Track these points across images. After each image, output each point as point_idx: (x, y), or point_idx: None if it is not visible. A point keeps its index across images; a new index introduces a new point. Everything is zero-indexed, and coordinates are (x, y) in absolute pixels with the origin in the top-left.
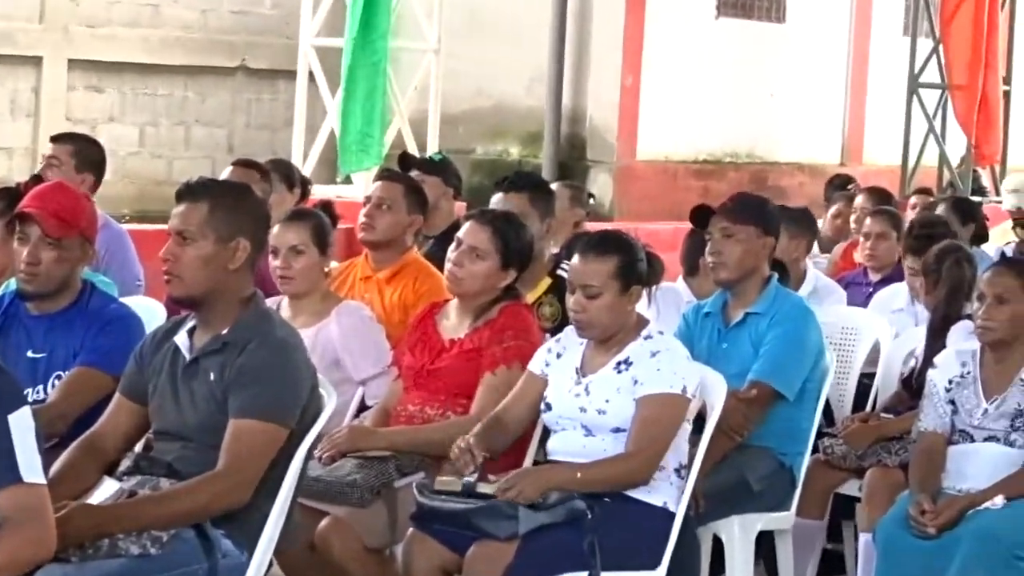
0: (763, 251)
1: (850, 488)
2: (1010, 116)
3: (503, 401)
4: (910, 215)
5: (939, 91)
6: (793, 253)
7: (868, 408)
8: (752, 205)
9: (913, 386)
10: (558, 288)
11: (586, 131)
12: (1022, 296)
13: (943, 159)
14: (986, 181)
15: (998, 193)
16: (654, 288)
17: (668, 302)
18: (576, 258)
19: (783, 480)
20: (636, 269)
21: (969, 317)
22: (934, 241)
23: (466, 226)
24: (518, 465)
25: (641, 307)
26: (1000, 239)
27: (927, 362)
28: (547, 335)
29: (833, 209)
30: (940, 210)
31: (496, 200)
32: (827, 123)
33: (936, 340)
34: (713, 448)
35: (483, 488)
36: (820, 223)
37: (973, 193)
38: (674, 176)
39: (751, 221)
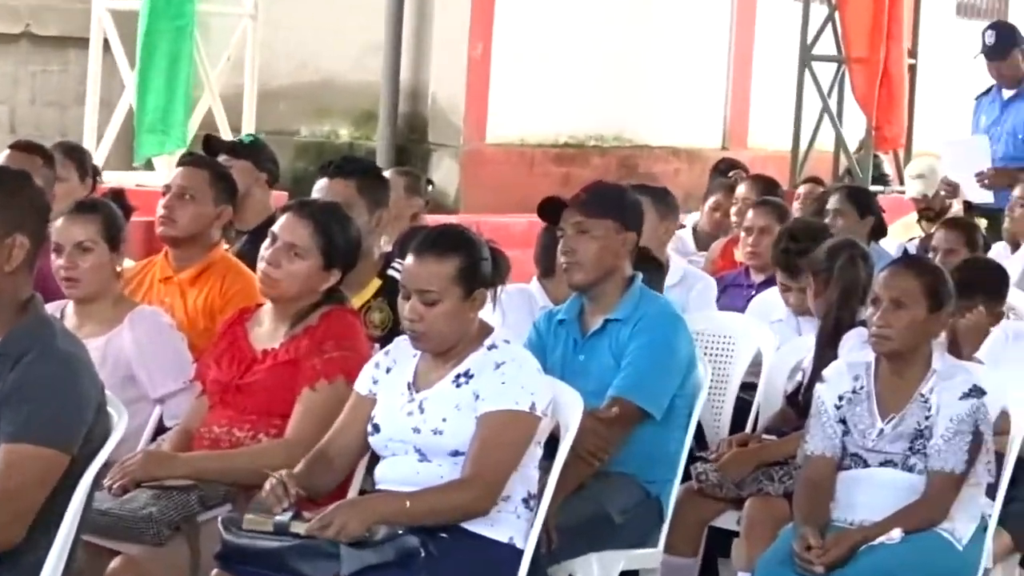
0: (623, 248)
1: (727, 521)
2: (915, 94)
3: (328, 433)
4: (797, 208)
5: (835, 65)
6: (664, 237)
7: (748, 429)
8: (610, 196)
9: (800, 403)
10: (389, 291)
11: (428, 110)
12: (923, 300)
13: (839, 143)
14: (888, 168)
15: (902, 182)
16: (499, 289)
17: (517, 306)
18: (411, 258)
19: (649, 512)
20: (480, 271)
21: (864, 324)
22: (808, 254)
23: (283, 219)
24: (341, 496)
25: (485, 312)
26: (902, 234)
27: (815, 375)
28: (376, 345)
29: (711, 200)
30: (833, 201)
31: (319, 188)
32: (707, 101)
33: (826, 350)
34: (567, 475)
35: (298, 528)
36: (697, 216)
37: (874, 181)
38: (530, 162)
39: (609, 214)
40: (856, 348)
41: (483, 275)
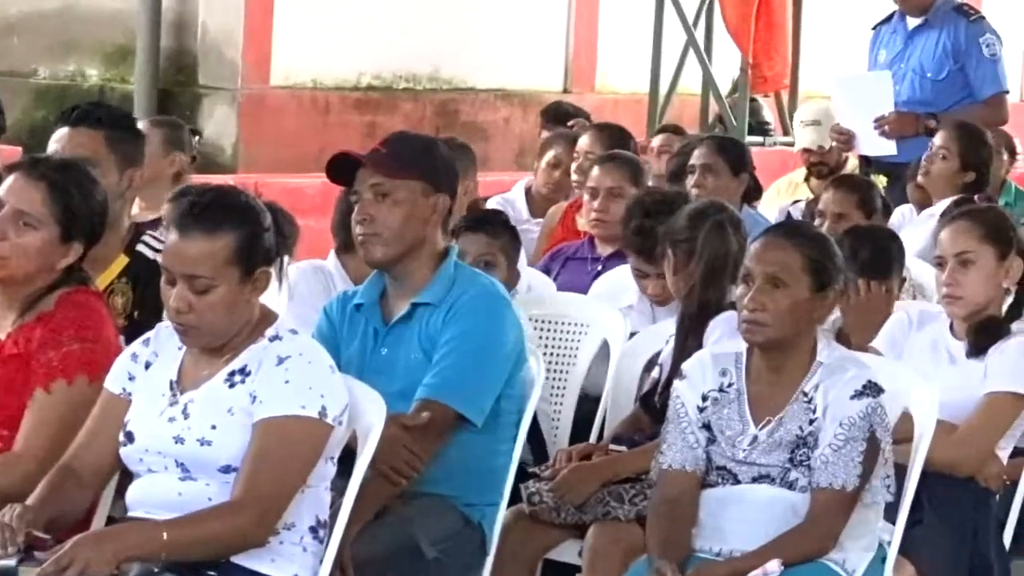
0: (433, 215)
1: (566, 553)
2: (801, 23)
3: (71, 446)
4: (655, 164)
5: None
6: (461, 199)
7: (593, 438)
8: (416, 150)
9: (656, 406)
10: (135, 270)
11: (197, 45)
12: (804, 278)
13: (708, 84)
14: (769, 115)
15: (785, 132)
16: (284, 264)
17: (310, 288)
18: (174, 234)
19: (470, 541)
20: (261, 245)
21: (735, 306)
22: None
23: (9, 180)
24: (84, 528)
25: (268, 295)
26: (787, 196)
27: (675, 371)
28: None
29: (549, 155)
30: (698, 155)
31: (57, 140)
32: (545, 34)
33: (689, 339)
34: (368, 497)
35: (28, 574)
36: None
37: (752, 131)
38: (325, 109)
39: (415, 173)
40: (726, 336)
41: (265, 250)
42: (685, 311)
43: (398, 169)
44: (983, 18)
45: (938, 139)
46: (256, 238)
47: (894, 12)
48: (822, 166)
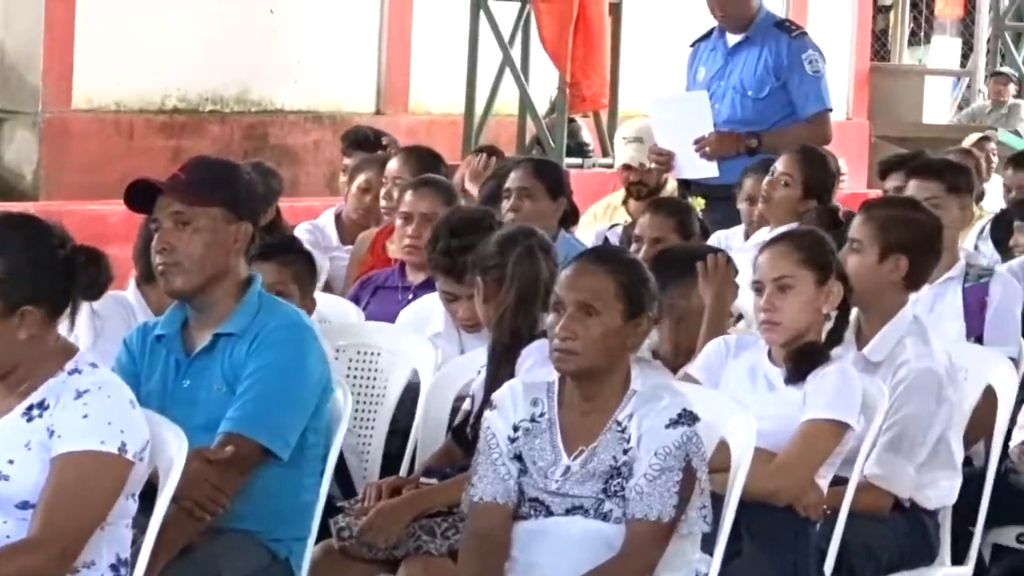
0: (235, 243)
1: None
2: (620, 41)
3: None
4: (472, 187)
5: (518, 6)
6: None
7: (403, 471)
8: (216, 176)
9: (468, 437)
10: None
11: None
12: (617, 304)
13: (525, 104)
14: (588, 136)
15: (605, 153)
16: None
17: (113, 321)
18: None
19: None
20: (26, 280)
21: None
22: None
23: None
24: None
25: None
26: (603, 219)
27: (486, 401)
28: None
29: (360, 179)
30: (514, 178)
31: None
32: (356, 53)
33: (501, 367)
34: (170, 534)
35: None
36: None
37: (571, 152)
38: (129, 132)
39: (216, 200)
40: (539, 364)
41: (32, 286)
42: (497, 339)
43: (198, 196)
44: (805, 34)
45: (780, 165)
46: (16, 273)
47: (713, 28)
48: (641, 186)
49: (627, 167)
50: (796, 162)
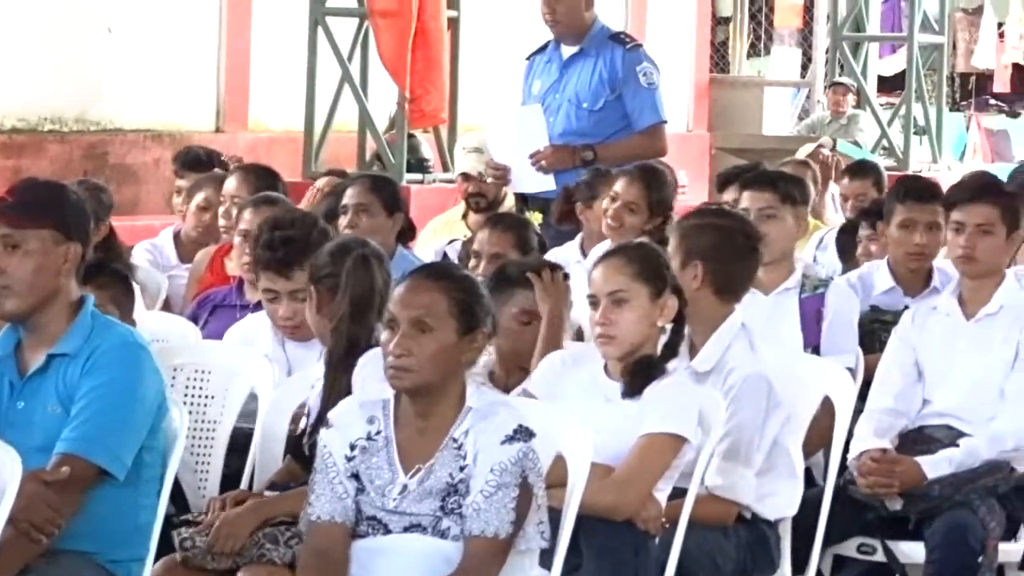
0: (65, 264)
1: None
2: (459, 55)
3: None
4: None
5: (356, 20)
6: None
7: (243, 484)
8: (44, 198)
9: (305, 453)
10: None
11: None
12: (451, 322)
13: (365, 120)
14: (429, 151)
15: (445, 168)
16: None
17: None
18: None
19: None
20: None
21: None
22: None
23: None
24: None
25: None
26: (442, 234)
27: (322, 417)
28: None
29: (199, 197)
30: (351, 195)
31: None
32: (194, 71)
33: (338, 378)
34: (7, 555)
35: None
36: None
37: (411, 168)
38: None
39: (44, 221)
40: (373, 376)
41: None
42: (333, 349)
43: (26, 218)
44: (640, 46)
45: (624, 193)
46: None
47: (549, 42)
48: (480, 197)
49: (465, 176)
50: (638, 188)
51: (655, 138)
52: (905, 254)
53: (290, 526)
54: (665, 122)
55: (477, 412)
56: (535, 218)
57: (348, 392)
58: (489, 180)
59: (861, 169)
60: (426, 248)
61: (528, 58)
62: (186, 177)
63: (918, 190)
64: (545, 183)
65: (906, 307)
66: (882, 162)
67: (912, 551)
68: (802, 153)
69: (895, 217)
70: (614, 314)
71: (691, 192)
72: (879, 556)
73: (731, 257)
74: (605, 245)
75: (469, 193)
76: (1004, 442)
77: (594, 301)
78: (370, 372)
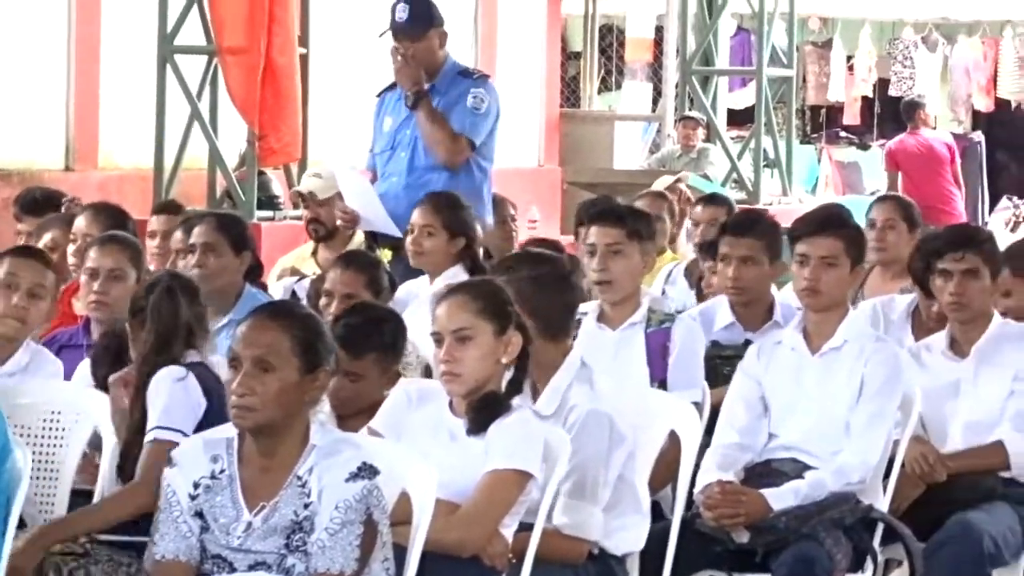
0: None
1: None
2: (309, 92)
3: None
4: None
5: (205, 58)
6: None
7: None
8: None
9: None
10: None
11: None
12: (294, 360)
13: (215, 158)
14: (279, 188)
15: (296, 205)
16: None
17: None
18: None
19: None
20: None
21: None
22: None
23: None
24: None
25: None
26: (293, 267)
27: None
28: None
29: (46, 239)
30: (197, 234)
31: None
32: (44, 110)
33: (135, 410)
34: None
35: None
36: None
37: (261, 205)
38: None
39: None
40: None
41: None
42: (137, 379)
43: None
44: (487, 77)
45: (418, 218)
46: None
47: None
48: (319, 224)
49: (300, 195)
50: (430, 211)
51: (455, 147)
52: (724, 288)
53: (79, 557)
54: (474, 143)
55: (321, 450)
56: (384, 255)
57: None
58: (339, 223)
59: (712, 201)
60: (276, 286)
61: (379, 95)
62: (25, 220)
63: (735, 223)
64: (390, 227)
65: (747, 341)
66: (733, 195)
67: None
68: (660, 185)
69: (719, 251)
70: (458, 351)
71: (543, 226)
72: None
73: (547, 299)
74: (446, 277)
75: (308, 220)
76: (849, 475)
77: (438, 339)
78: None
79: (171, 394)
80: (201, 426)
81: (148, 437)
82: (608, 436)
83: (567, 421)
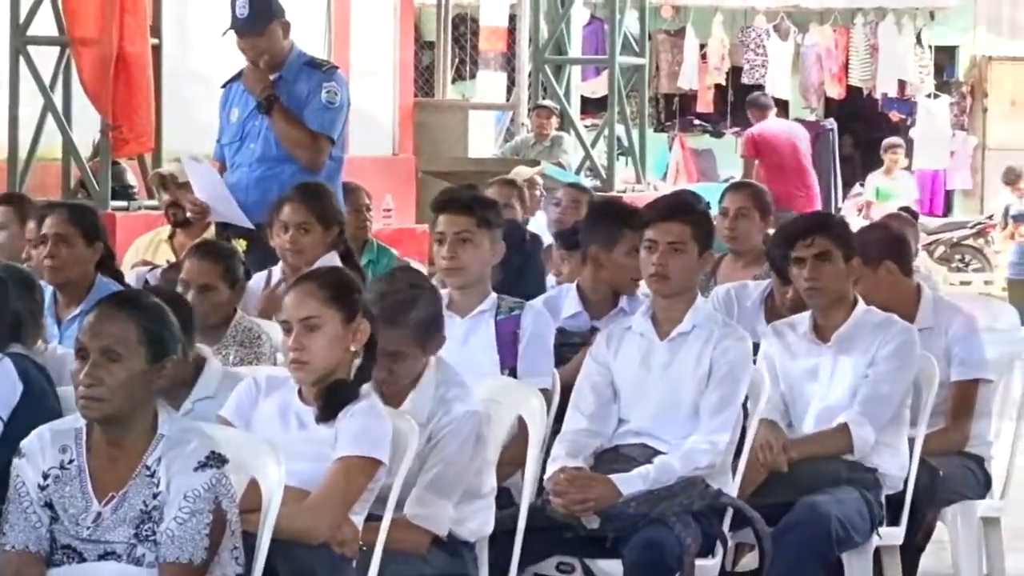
0: None
1: None
2: (163, 84)
3: None
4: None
5: (58, 49)
6: None
7: None
8: None
9: None
10: None
11: None
12: (141, 350)
13: (69, 148)
14: (133, 179)
15: (150, 195)
16: None
17: None
18: None
19: None
20: None
21: None
22: None
23: None
24: None
25: None
26: (146, 253)
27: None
28: None
29: None
30: (49, 224)
31: None
32: None
33: None
34: None
35: None
36: None
37: (116, 195)
38: None
39: None
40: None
41: None
42: None
43: None
44: (336, 69)
45: (293, 217)
46: None
47: (244, 68)
48: (178, 208)
49: (160, 177)
50: (302, 208)
51: (316, 147)
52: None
53: None
54: (332, 140)
55: (169, 440)
56: (239, 245)
57: None
58: (189, 215)
59: (575, 188)
60: (130, 274)
61: (224, 86)
62: None
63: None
64: (241, 219)
65: (593, 328)
66: (588, 183)
67: (611, 569)
68: (518, 176)
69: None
70: (307, 339)
71: (397, 215)
72: (578, 574)
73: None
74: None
75: (168, 204)
76: (698, 459)
77: (287, 327)
78: None
79: None
80: (19, 409)
81: None
82: (474, 440)
83: (440, 422)
